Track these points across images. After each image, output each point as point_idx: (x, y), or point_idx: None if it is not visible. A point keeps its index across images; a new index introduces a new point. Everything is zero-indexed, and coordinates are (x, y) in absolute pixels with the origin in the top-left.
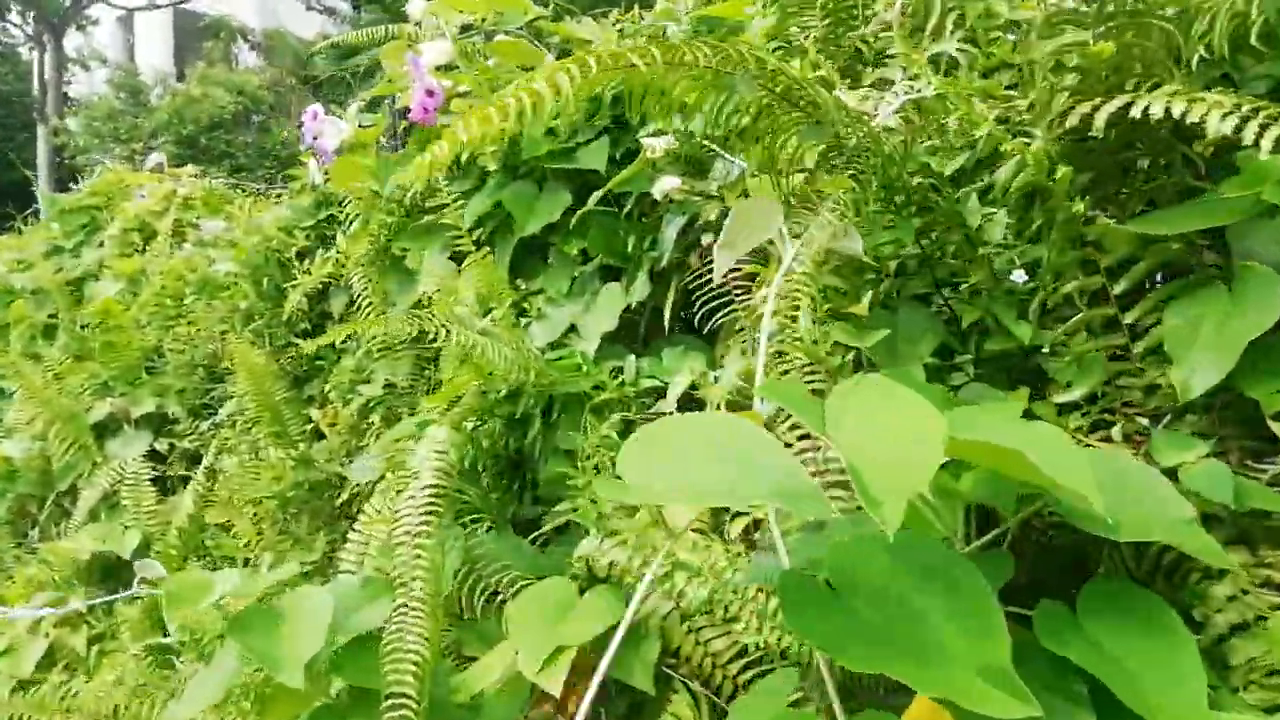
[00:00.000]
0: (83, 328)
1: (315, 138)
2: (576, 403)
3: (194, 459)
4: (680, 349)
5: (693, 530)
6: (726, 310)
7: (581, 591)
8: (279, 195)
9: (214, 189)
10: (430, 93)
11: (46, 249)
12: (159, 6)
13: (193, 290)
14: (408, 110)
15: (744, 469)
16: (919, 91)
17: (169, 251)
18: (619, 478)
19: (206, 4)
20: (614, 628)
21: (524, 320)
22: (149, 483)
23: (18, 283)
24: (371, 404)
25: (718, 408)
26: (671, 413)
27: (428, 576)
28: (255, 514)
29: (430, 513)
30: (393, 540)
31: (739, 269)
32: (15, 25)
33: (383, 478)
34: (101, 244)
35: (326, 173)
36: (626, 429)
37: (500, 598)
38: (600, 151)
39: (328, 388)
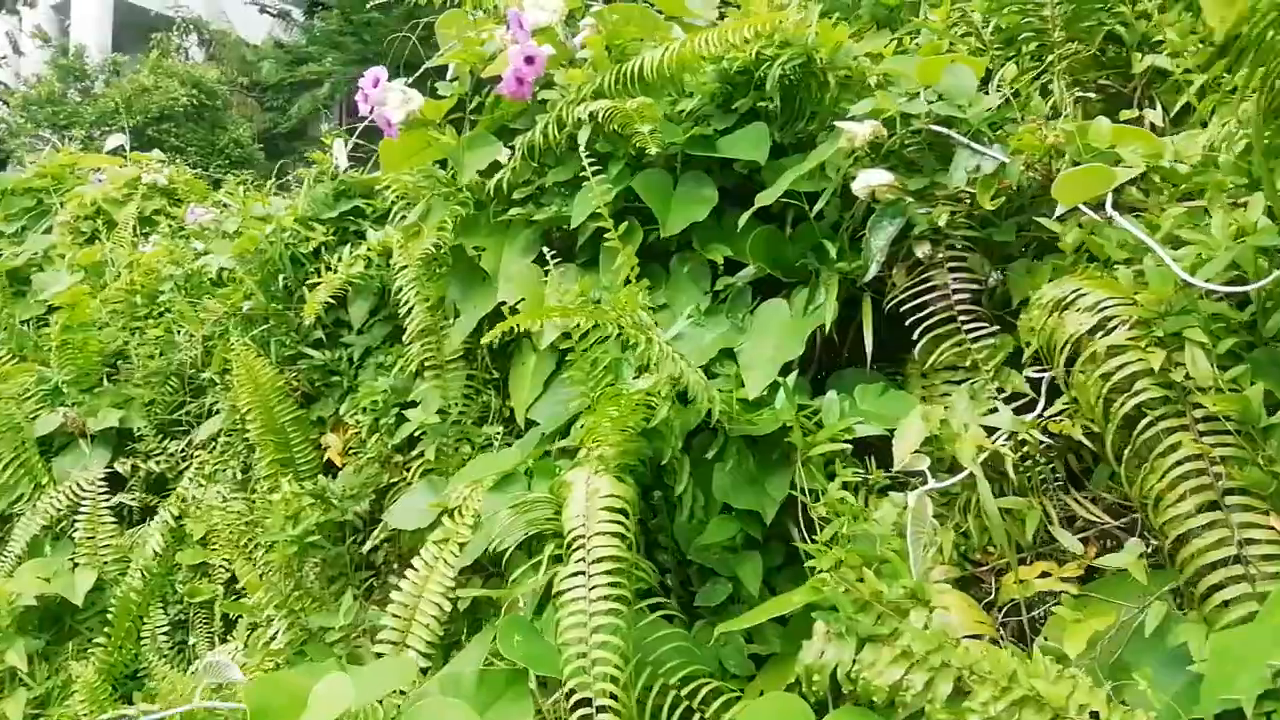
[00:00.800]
0: (24, 323)
1: (374, 108)
2: (745, 447)
3: (160, 485)
4: (879, 386)
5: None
6: (952, 341)
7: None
8: (277, 186)
9: (195, 175)
10: (530, 59)
11: None
12: None
13: (172, 287)
14: (482, 84)
15: None
16: None
17: (133, 242)
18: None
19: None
20: None
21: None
22: (107, 511)
23: None
24: (419, 433)
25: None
26: (912, 472)
27: (619, 683)
28: (260, 559)
29: (615, 596)
30: (562, 629)
31: (965, 291)
32: None
33: (436, 524)
34: (49, 230)
35: (349, 158)
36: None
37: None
38: (757, 139)
39: (346, 409)
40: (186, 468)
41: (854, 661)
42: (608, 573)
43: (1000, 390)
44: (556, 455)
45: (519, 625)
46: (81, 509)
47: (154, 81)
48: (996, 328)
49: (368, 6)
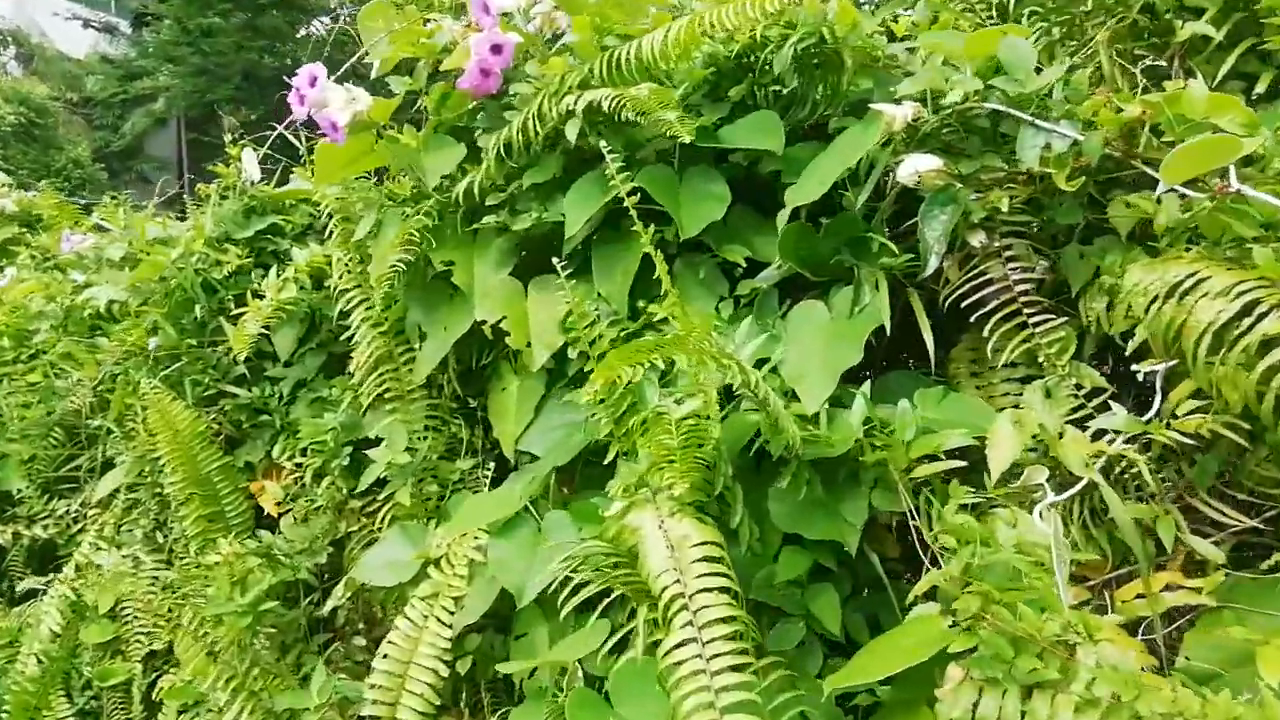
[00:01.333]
0: None
1: (312, 110)
2: (810, 470)
3: (47, 553)
4: (938, 391)
5: None
6: (1021, 336)
7: None
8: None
9: (62, 200)
10: (497, 48)
11: None
12: None
13: (51, 325)
14: (438, 76)
15: None
16: None
17: None
18: None
19: None
20: None
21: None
22: None
23: None
24: (388, 474)
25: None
26: (1031, 486)
27: None
28: (198, 632)
29: (741, 666)
30: (685, 711)
31: (1027, 281)
32: None
33: (420, 577)
34: None
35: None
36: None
37: None
38: (768, 127)
39: (280, 451)
40: (81, 530)
41: (1022, 714)
42: (728, 638)
43: (1078, 387)
44: (559, 491)
45: (590, 703)
46: None
47: None
48: (1064, 319)
49: (208, 14)
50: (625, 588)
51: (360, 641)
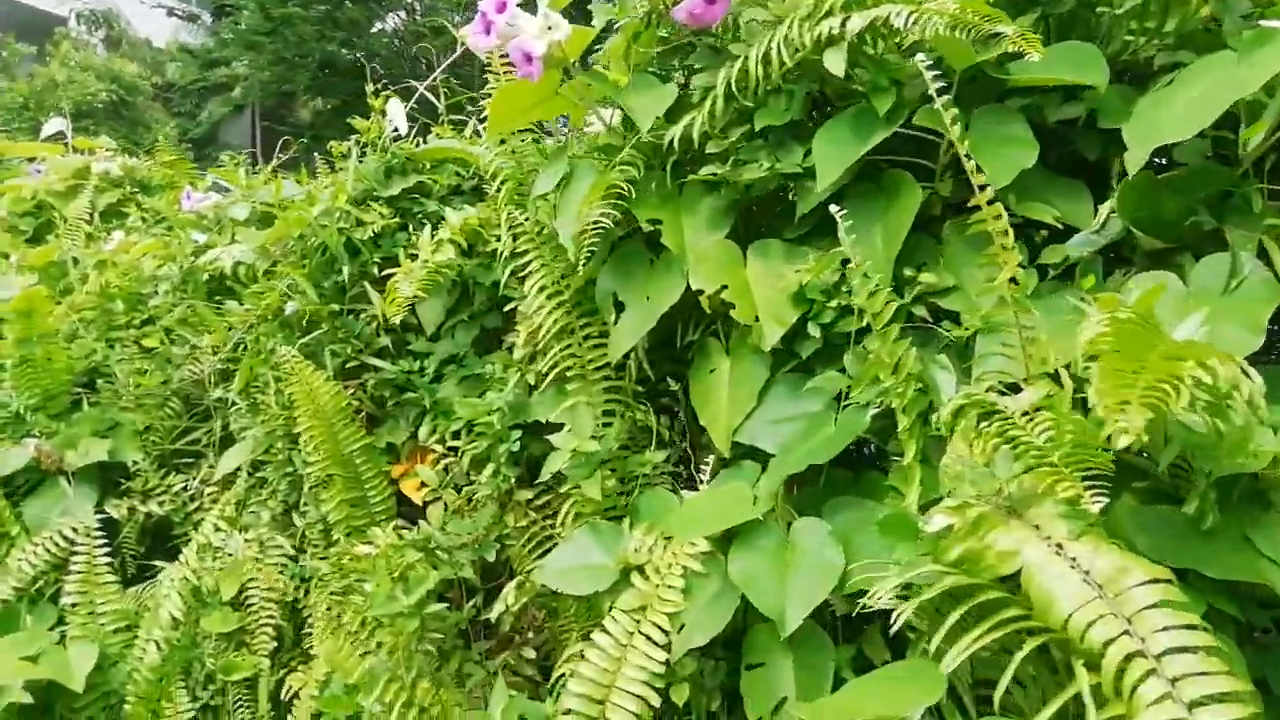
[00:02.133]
0: None
1: (501, 40)
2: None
3: (162, 532)
4: None
5: None
6: None
7: None
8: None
9: (180, 156)
10: None
11: None
12: None
13: (170, 288)
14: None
15: None
16: None
17: (92, 237)
18: None
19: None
20: None
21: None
22: (106, 567)
23: None
24: (572, 465)
25: None
26: None
27: None
28: (355, 633)
29: None
30: None
31: None
32: None
33: (618, 586)
34: None
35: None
36: None
37: None
38: (1084, 60)
39: (426, 433)
40: (199, 509)
41: None
42: None
43: None
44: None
45: None
46: (72, 566)
47: (66, 76)
48: None
49: (289, 3)
50: (1004, 629)
51: (529, 654)
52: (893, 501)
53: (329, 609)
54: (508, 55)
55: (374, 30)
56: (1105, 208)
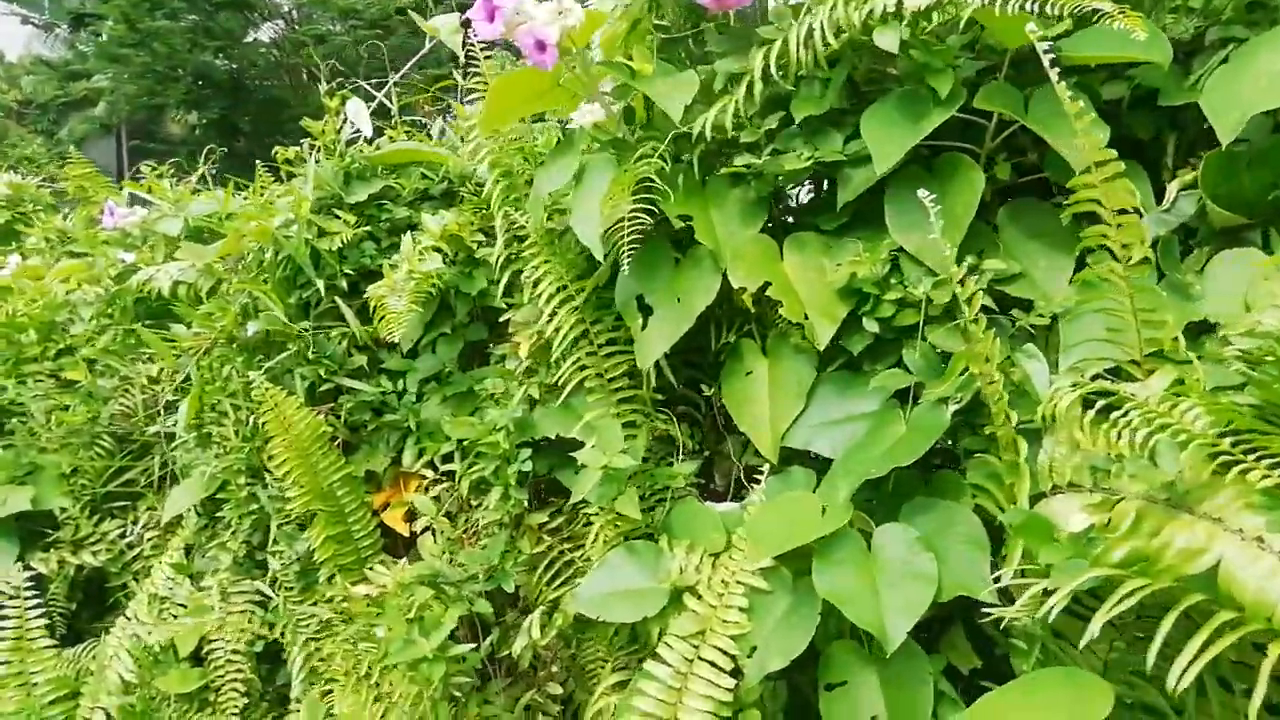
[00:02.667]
0: None
1: (508, 27)
2: None
3: (98, 585)
4: None
5: None
6: None
7: None
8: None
9: (94, 171)
10: None
11: None
12: None
13: (96, 313)
14: None
15: None
16: None
17: None
18: None
19: None
20: None
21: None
22: (38, 628)
23: None
24: (605, 484)
25: None
26: None
27: None
28: (370, 693)
29: None
30: None
31: None
32: None
33: (667, 611)
34: None
35: (400, 122)
36: None
37: None
38: (1146, 34)
39: (411, 458)
40: (139, 557)
41: None
42: None
43: None
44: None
45: None
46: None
47: None
48: None
49: (156, 15)
50: (1226, 636)
51: (555, 689)
52: (980, 500)
53: (330, 656)
54: (489, 45)
55: (249, 40)
56: (1174, 187)
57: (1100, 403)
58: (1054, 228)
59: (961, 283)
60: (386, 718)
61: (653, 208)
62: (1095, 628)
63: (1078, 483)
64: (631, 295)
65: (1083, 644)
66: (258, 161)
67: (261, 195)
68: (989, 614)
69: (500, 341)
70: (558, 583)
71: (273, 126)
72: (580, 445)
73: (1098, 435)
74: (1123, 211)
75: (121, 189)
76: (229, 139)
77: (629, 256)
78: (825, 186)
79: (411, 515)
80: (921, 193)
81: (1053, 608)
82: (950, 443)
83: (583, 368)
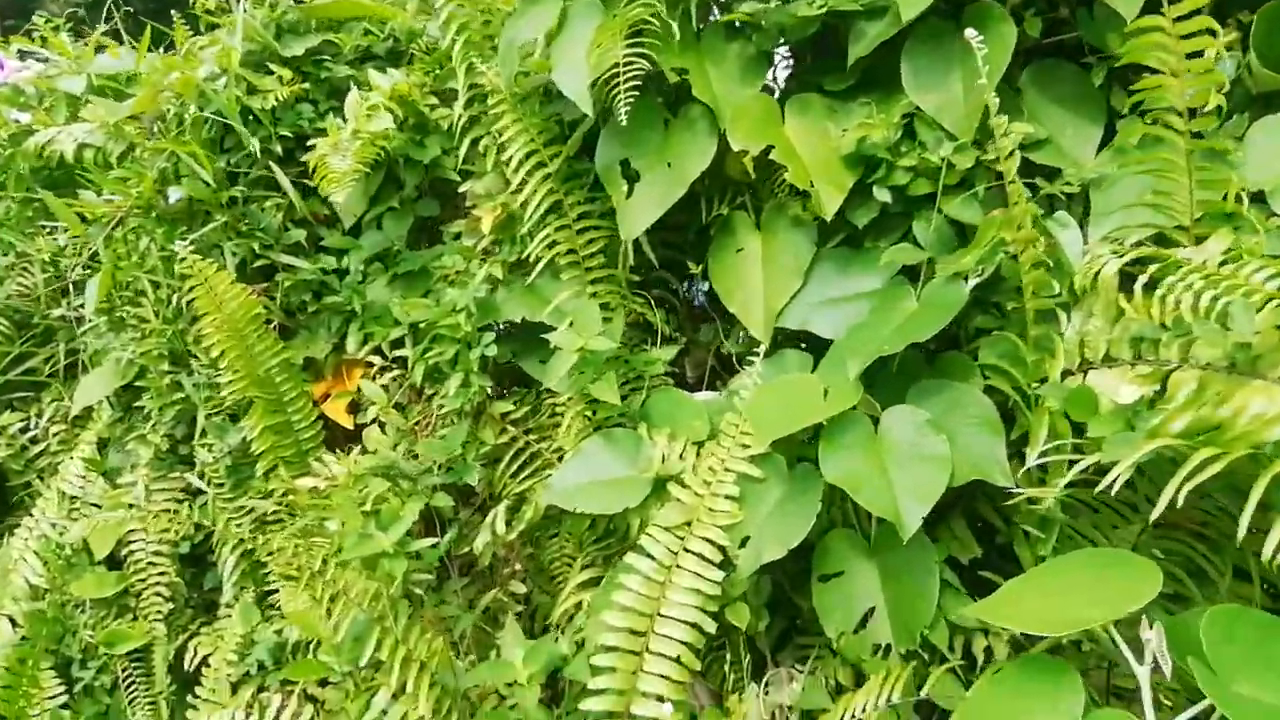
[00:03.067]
0: None
1: None
2: None
3: None
4: None
5: None
6: None
7: None
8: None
9: None
10: None
11: None
12: None
13: None
14: None
15: None
16: None
17: None
18: None
19: None
20: None
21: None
22: None
23: None
24: (581, 369)
25: None
26: None
27: None
28: (325, 589)
29: None
30: None
31: None
32: None
33: (649, 501)
34: None
35: None
36: None
37: None
38: None
39: (356, 344)
40: (44, 453)
41: None
42: None
43: None
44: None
45: None
46: None
47: None
48: None
49: None
50: None
51: (519, 588)
52: (994, 381)
53: (280, 551)
54: None
55: None
56: (1215, 47)
57: (1146, 272)
58: (1083, 92)
59: (990, 143)
60: (341, 616)
61: (644, 58)
62: (1168, 497)
63: (1117, 356)
64: (615, 160)
65: (1155, 514)
66: (173, 11)
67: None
68: (993, 501)
69: (454, 218)
70: (523, 475)
71: None
72: (547, 330)
73: (1150, 303)
74: (1194, 56)
75: (8, 43)
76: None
77: (625, 108)
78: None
79: (355, 407)
80: (970, 33)
81: (1115, 480)
82: (955, 325)
83: (553, 244)
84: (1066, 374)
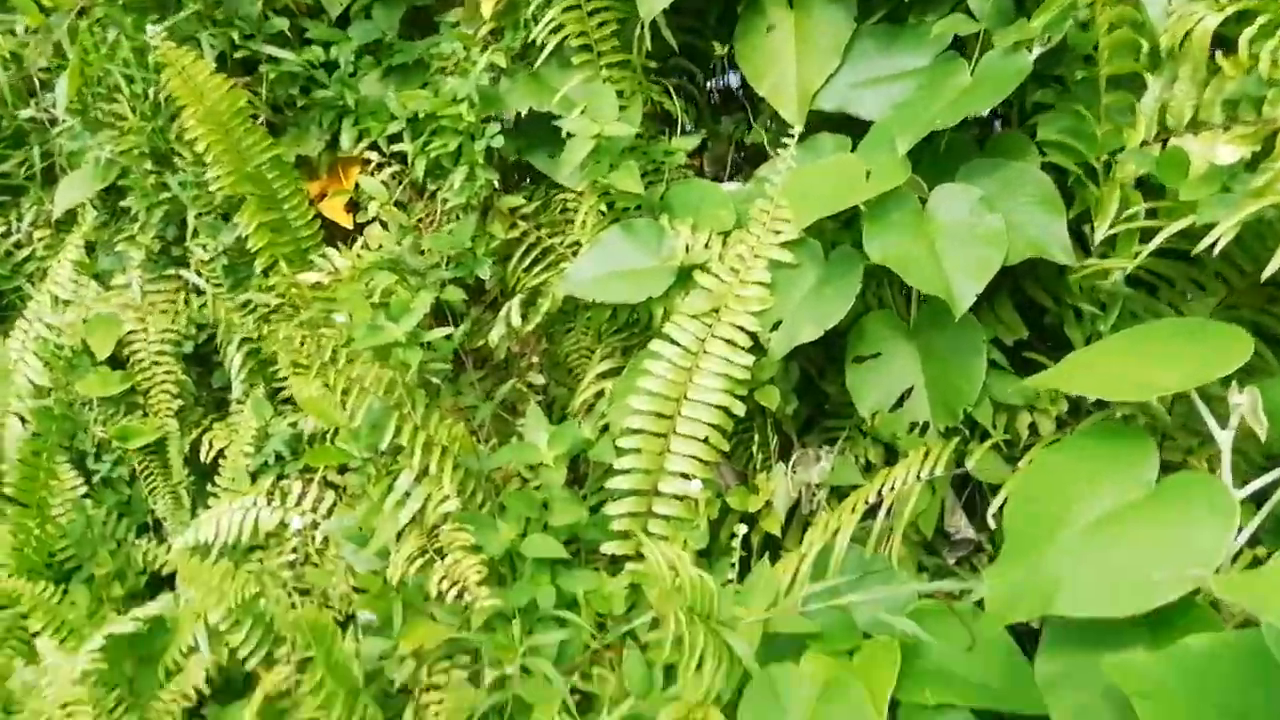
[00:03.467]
0: None
1: None
2: None
3: None
4: None
5: None
6: None
7: None
8: None
9: None
10: None
11: None
12: None
13: None
14: None
15: None
16: None
17: None
18: None
19: None
20: None
21: None
22: None
23: None
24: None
25: None
26: None
27: None
28: (338, 378)
29: None
30: None
31: None
32: None
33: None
34: None
35: None
36: None
37: None
38: None
39: (350, 140)
40: (30, 258)
41: None
42: None
43: None
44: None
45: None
46: None
47: None
48: None
49: None
50: None
51: (537, 379)
52: (1053, 157)
53: (288, 340)
54: None
55: None
56: None
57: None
58: None
59: None
60: (356, 404)
61: None
62: None
63: (1206, 120)
64: None
65: (1269, 271)
66: None
67: None
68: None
69: (450, 6)
70: (537, 270)
71: None
72: (555, 122)
73: (1251, 60)
74: None
75: None
76: None
77: None
78: None
79: (354, 206)
80: None
81: (1216, 241)
82: (1008, 104)
83: (560, 28)
84: (1143, 145)
